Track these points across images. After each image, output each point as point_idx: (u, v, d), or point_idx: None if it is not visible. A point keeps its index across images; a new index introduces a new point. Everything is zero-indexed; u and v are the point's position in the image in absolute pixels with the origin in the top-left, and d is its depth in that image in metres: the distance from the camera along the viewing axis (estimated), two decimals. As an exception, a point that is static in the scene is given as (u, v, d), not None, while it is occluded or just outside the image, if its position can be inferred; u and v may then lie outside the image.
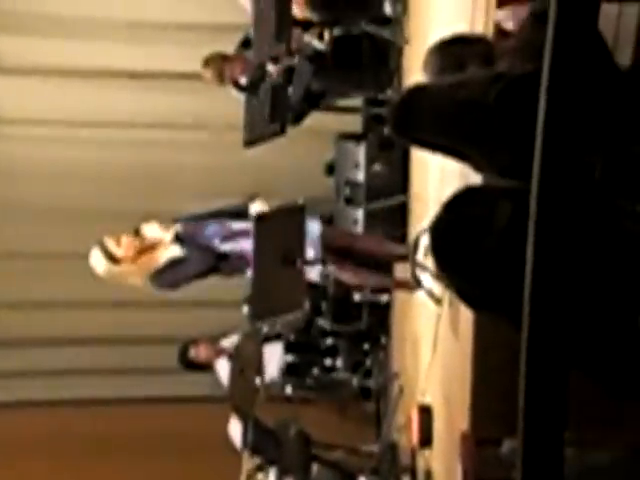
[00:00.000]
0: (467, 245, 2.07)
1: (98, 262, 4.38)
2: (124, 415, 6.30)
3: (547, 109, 1.49)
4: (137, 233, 4.41)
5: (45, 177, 6.32)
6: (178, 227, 4.44)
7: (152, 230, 4.41)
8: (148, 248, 4.38)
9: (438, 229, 2.14)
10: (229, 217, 4.51)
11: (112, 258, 4.35)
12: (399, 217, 5.46)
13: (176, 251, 4.38)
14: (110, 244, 4.34)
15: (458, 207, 2.14)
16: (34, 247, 6.32)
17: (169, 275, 4.42)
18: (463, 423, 3.14)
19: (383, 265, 4.67)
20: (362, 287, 5.41)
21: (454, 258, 2.10)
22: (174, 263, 4.39)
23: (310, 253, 4.28)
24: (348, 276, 4.61)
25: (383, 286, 5.21)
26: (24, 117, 6.32)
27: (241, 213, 4.48)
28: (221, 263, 4.47)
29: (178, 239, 4.41)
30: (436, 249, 2.14)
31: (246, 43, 5.34)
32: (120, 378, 6.52)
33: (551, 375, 1.46)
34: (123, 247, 4.32)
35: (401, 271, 4.87)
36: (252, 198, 4.45)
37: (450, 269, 2.14)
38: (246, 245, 4.28)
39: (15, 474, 5.89)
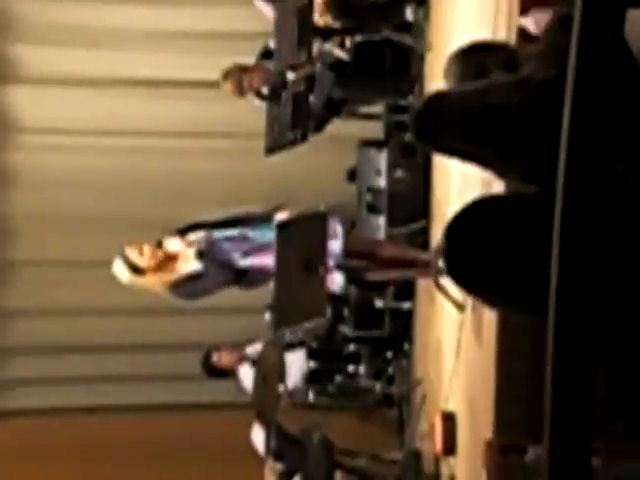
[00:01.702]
0: (482, 248, 2.07)
1: (121, 272, 4.41)
2: (148, 422, 6.32)
3: (572, 115, 1.48)
4: (159, 245, 4.42)
5: (66, 186, 6.36)
6: (200, 244, 4.43)
7: (174, 245, 4.43)
8: (169, 260, 4.39)
9: (452, 233, 2.13)
10: (252, 225, 4.51)
11: (134, 269, 4.38)
12: (420, 230, 5.44)
13: (195, 266, 4.39)
14: (132, 254, 4.37)
15: (474, 212, 2.14)
16: (56, 255, 6.36)
17: (188, 288, 4.44)
18: (487, 430, 3.12)
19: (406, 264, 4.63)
20: (385, 282, 5.37)
21: (467, 261, 2.09)
22: (193, 277, 4.41)
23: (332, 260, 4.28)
24: (371, 274, 4.59)
25: (405, 277, 5.12)
26: (45, 126, 6.37)
27: (265, 222, 4.47)
28: (240, 279, 4.49)
29: (199, 254, 4.42)
30: (449, 250, 2.13)
31: (266, 54, 5.36)
32: (143, 385, 6.55)
33: (579, 381, 1.45)
34: (145, 257, 4.34)
35: (423, 282, 4.85)
36: (278, 208, 4.45)
37: (464, 272, 2.13)
38: (267, 260, 4.28)
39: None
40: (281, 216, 4.44)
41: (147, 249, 4.34)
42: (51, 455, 6.05)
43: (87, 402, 6.47)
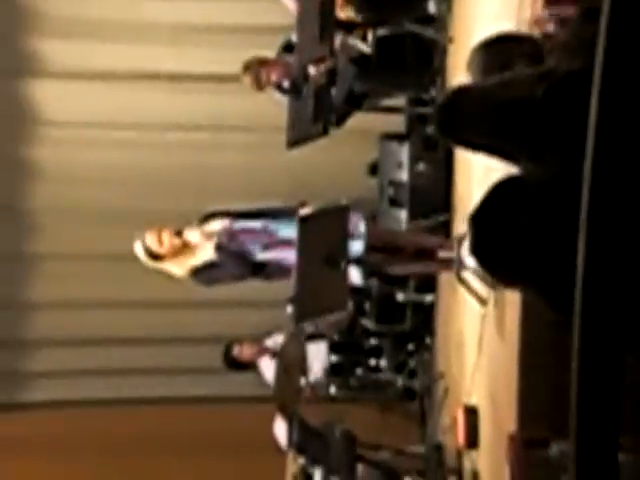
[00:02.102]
0: (508, 234, 2.07)
1: (140, 254, 4.48)
2: (170, 415, 6.35)
3: (599, 107, 1.47)
4: (179, 234, 4.45)
5: (90, 179, 6.40)
6: (219, 236, 4.45)
7: (193, 236, 4.45)
8: (186, 248, 4.43)
9: (478, 219, 2.13)
10: (274, 219, 4.51)
11: (152, 254, 4.43)
12: (442, 222, 5.42)
13: (211, 254, 4.42)
14: (151, 241, 4.41)
15: (497, 197, 2.13)
16: (79, 249, 6.40)
17: (205, 275, 4.47)
18: (510, 424, 3.12)
19: (427, 256, 4.62)
20: (406, 276, 5.36)
21: (494, 246, 2.09)
22: (210, 266, 4.43)
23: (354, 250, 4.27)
24: (392, 267, 4.58)
25: (427, 271, 5.11)
26: (70, 120, 6.41)
27: (288, 217, 4.47)
28: (257, 272, 4.50)
29: (217, 247, 4.44)
30: (476, 238, 2.13)
31: (288, 47, 5.36)
32: (165, 378, 6.58)
33: (605, 374, 1.44)
34: (163, 245, 4.38)
35: (445, 275, 4.84)
36: (302, 205, 4.45)
37: (491, 258, 2.13)
38: (287, 255, 4.29)
39: (67, 471, 5.97)
40: (304, 212, 4.44)
41: (166, 237, 4.38)
42: (73, 447, 6.10)
43: (109, 395, 6.51)
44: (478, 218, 2.13)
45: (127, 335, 6.53)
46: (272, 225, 4.49)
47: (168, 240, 4.38)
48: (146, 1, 6.40)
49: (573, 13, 2.57)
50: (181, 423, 6.23)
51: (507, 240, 2.07)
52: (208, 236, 4.44)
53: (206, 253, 4.43)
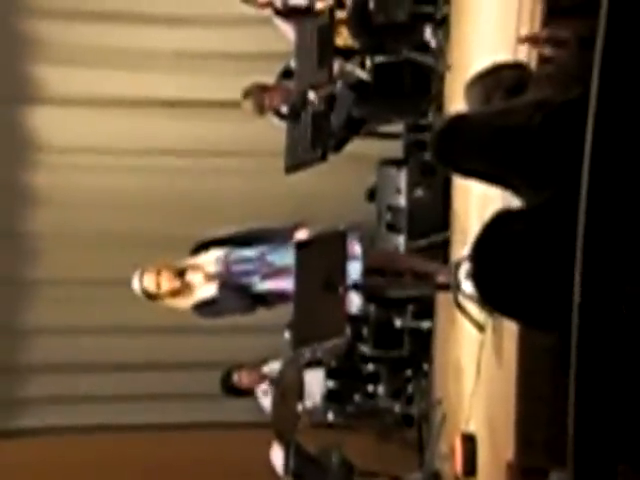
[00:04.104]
0: (509, 264, 2.07)
1: (136, 290, 4.46)
2: (167, 441, 6.32)
3: (594, 135, 1.48)
4: (181, 274, 4.43)
5: (90, 205, 6.41)
6: (220, 276, 4.43)
7: (197, 278, 4.44)
8: (186, 289, 4.42)
9: (478, 251, 2.14)
10: (270, 245, 4.51)
11: (148, 294, 4.42)
12: (440, 244, 5.43)
13: (210, 291, 4.42)
14: (148, 283, 4.39)
15: (498, 227, 2.14)
16: (77, 274, 6.40)
17: (207, 310, 4.48)
18: (508, 452, 3.10)
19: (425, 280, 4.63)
20: (405, 301, 5.37)
21: (496, 277, 2.10)
22: (210, 302, 4.44)
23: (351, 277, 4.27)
24: (390, 291, 4.59)
25: (424, 294, 5.12)
26: (70, 146, 6.43)
27: (284, 242, 4.47)
28: (258, 303, 4.50)
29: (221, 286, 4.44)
30: (478, 269, 2.14)
31: (287, 73, 5.40)
32: (162, 404, 6.55)
33: (603, 402, 1.44)
34: (161, 286, 4.37)
35: (443, 298, 4.84)
36: (297, 226, 4.45)
37: (492, 288, 2.14)
38: (286, 284, 4.28)
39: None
40: (301, 235, 4.44)
41: (165, 282, 4.36)
42: (70, 474, 6.06)
43: (106, 421, 6.48)
44: (479, 250, 2.14)
45: (125, 361, 6.51)
46: (269, 254, 4.48)
47: (167, 283, 4.37)
48: (146, 28, 6.44)
49: (569, 36, 2.59)
50: (178, 449, 6.20)
51: (508, 272, 2.08)
52: (210, 278, 4.43)
53: (206, 291, 4.42)
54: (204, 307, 4.44)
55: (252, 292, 4.44)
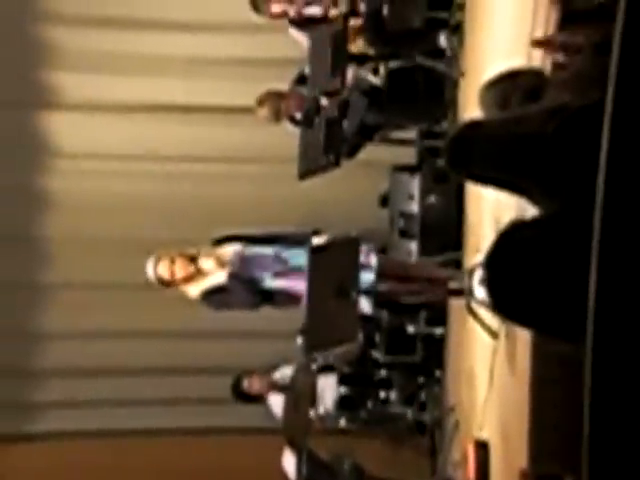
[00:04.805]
0: (523, 271, 2.07)
1: (151, 277, 4.50)
2: (178, 445, 6.32)
3: (610, 141, 1.48)
4: (193, 260, 4.47)
5: (104, 210, 6.43)
6: (233, 265, 4.46)
7: (208, 264, 4.47)
8: (199, 275, 4.45)
9: (493, 260, 2.13)
10: (287, 246, 4.53)
11: (162, 281, 4.46)
12: (453, 248, 5.42)
13: (221, 278, 4.44)
14: (163, 271, 4.43)
15: (513, 235, 2.14)
16: (93, 278, 6.42)
17: (214, 299, 4.50)
18: (521, 459, 3.09)
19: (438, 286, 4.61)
20: (417, 308, 5.36)
21: (510, 285, 2.09)
22: (219, 290, 4.46)
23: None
24: (403, 297, 4.58)
25: (436, 298, 5.10)
26: (83, 152, 6.46)
27: (301, 244, 4.48)
28: (266, 301, 4.51)
29: (231, 275, 4.45)
30: (492, 276, 2.13)
31: (301, 79, 5.41)
32: (174, 408, 6.56)
33: (617, 409, 1.44)
34: (176, 274, 4.41)
35: (456, 305, 4.83)
36: (315, 232, 4.46)
37: (506, 296, 2.13)
38: (297, 284, 4.29)
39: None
40: (317, 241, 4.45)
41: (179, 269, 4.39)
42: (80, 478, 6.07)
43: (118, 425, 6.49)
44: (493, 258, 2.13)
45: (137, 365, 6.52)
46: (284, 253, 4.50)
47: (181, 271, 4.40)
48: (159, 35, 6.47)
49: (583, 42, 2.58)
50: (190, 454, 6.20)
51: (523, 280, 2.07)
52: (222, 264, 4.46)
53: (217, 278, 4.45)
54: (212, 296, 4.46)
55: (261, 288, 4.45)
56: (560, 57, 2.90)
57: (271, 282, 4.46)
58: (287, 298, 4.46)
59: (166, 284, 4.51)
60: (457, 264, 5.23)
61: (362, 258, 4.16)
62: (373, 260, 4.37)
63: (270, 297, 4.50)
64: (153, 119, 6.47)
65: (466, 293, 4.08)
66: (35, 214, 6.54)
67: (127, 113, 6.43)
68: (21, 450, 6.29)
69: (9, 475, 5.96)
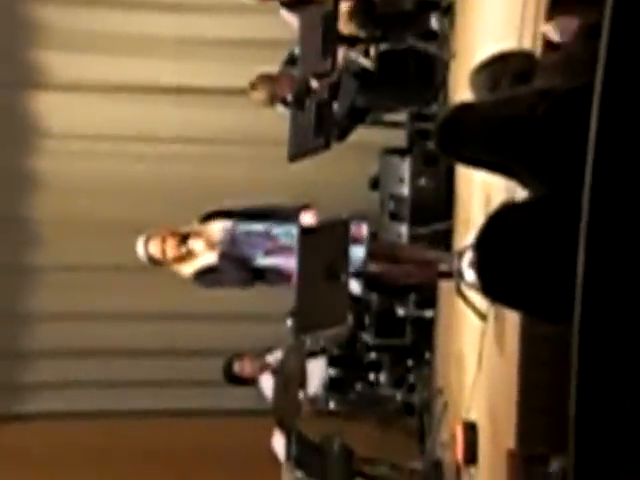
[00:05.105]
0: (512, 253, 2.07)
1: (142, 256, 4.50)
2: (168, 427, 6.34)
3: (599, 124, 1.48)
4: (184, 240, 4.47)
5: (92, 191, 6.41)
6: (223, 245, 4.46)
7: (198, 245, 4.48)
8: (189, 256, 4.46)
9: (483, 242, 2.14)
10: (277, 222, 4.53)
11: (153, 260, 4.46)
12: (443, 233, 5.43)
13: (211, 258, 4.45)
14: (154, 250, 4.44)
15: (502, 217, 2.14)
16: (80, 260, 6.41)
17: (206, 279, 4.51)
18: (509, 440, 3.11)
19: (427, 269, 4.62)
20: (407, 290, 5.36)
21: (499, 267, 2.10)
22: (210, 270, 4.46)
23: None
24: (392, 279, 4.59)
25: (427, 279, 5.09)
26: (73, 132, 6.43)
27: (290, 220, 4.49)
28: (256, 280, 4.51)
29: (221, 255, 4.46)
30: (481, 258, 2.14)
31: (291, 60, 5.38)
32: (164, 390, 6.57)
33: (603, 390, 1.45)
34: (166, 252, 4.42)
35: (445, 288, 4.84)
36: (304, 207, 4.47)
37: (495, 278, 2.14)
38: (288, 263, 4.29)
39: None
40: (307, 216, 4.45)
41: (170, 249, 4.40)
42: (71, 459, 6.09)
43: (108, 407, 6.50)
44: (483, 240, 2.14)
45: (126, 347, 6.52)
46: (274, 229, 4.50)
47: (171, 250, 4.41)
48: (150, 15, 6.43)
49: (575, 27, 2.58)
50: (180, 435, 6.22)
51: (512, 262, 2.08)
52: (211, 245, 4.46)
53: (208, 258, 4.46)
54: (204, 275, 4.47)
55: (253, 266, 4.46)
56: (554, 38, 2.89)
57: (262, 260, 4.46)
58: (279, 276, 4.47)
59: (157, 263, 4.51)
60: (446, 239, 5.24)
61: (353, 230, 4.16)
62: (364, 231, 4.37)
63: (262, 275, 4.51)
64: (143, 100, 6.44)
65: (455, 276, 4.09)
66: (24, 195, 6.51)
67: (117, 94, 6.40)
68: (11, 430, 6.30)
69: (-1, 455, 5.99)
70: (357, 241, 4.28)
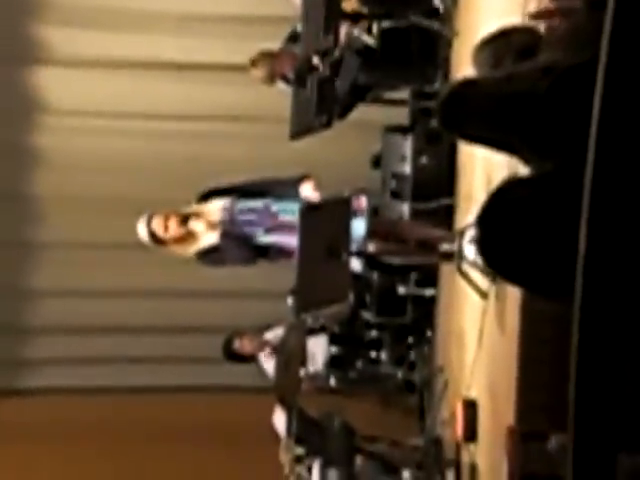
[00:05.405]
0: (514, 230, 2.07)
1: (143, 235, 4.52)
2: (169, 403, 6.37)
3: (603, 100, 1.47)
4: (185, 221, 4.48)
5: (94, 168, 6.41)
6: (223, 224, 4.47)
7: (199, 227, 4.49)
8: (190, 236, 4.47)
9: (485, 218, 2.14)
10: (276, 197, 4.53)
11: (155, 238, 4.48)
12: (445, 210, 5.42)
13: (212, 239, 4.46)
14: (157, 226, 4.46)
15: (505, 194, 2.14)
16: (82, 236, 6.42)
17: (209, 258, 4.52)
18: (509, 417, 3.12)
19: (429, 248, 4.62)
20: (408, 269, 5.37)
21: (501, 243, 2.10)
22: (213, 249, 4.48)
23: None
24: (393, 258, 4.59)
25: (428, 263, 5.10)
26: (74, 109, 6.41)
27: (290, 194, 4.49)
28: (260, 255, 4.52)
29: (223, 235, 4.47)
30: (483, 234, 2.14)
31: (293, 37, 5.35)
32: (165, 366, 6.60)
33: (604, 367, 1.45)
34: (169, 232, 4.43)
35: (446, 266, 4.83)
36: (303, 178, 4.47)
37: (497, 254, 2.14)
38: (289, 240, 4.30)
39: (67, 458, 5.99)
40: (307, 187, 4.45)
41: (172, 226, 4.42)
42: (73, 434, 6.12)
43: (109, 383, 6.53)
44: (485, 216, 2.14)
45: (127, 324, 6.54)
46: (274, 206, 4.51)
47: (174, 229, 4.43)
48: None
49: (579, 4, 2.56)
50: (181, 412, 6.25)
51: (514, 238, 2.07)
52: (212, 226, 4.47)
53: (209, 239, 4.47)
54: (207, 255, 4.49)
55: (254, 243, 4.48)
56: (556, 21, 2.87)
57: (264, 237, 4.47)
58: (281, 253, 4.48)
59: (159, 242, 4.52)
60: (448, 217, 5.23)
61: (352, 203, 4.16)
62: (364, 203, 4.37)
63: (265, 252, 4.52)
64: (145, 76, 6.42)
65: (457, 254, 4.09)
66: (25, 171, 6.50)
67: (118, 69, 6.38)
68: (11, 405, 6.33)
69: (-1, 430, 6.02)
70: (357, 213, 4.28)
